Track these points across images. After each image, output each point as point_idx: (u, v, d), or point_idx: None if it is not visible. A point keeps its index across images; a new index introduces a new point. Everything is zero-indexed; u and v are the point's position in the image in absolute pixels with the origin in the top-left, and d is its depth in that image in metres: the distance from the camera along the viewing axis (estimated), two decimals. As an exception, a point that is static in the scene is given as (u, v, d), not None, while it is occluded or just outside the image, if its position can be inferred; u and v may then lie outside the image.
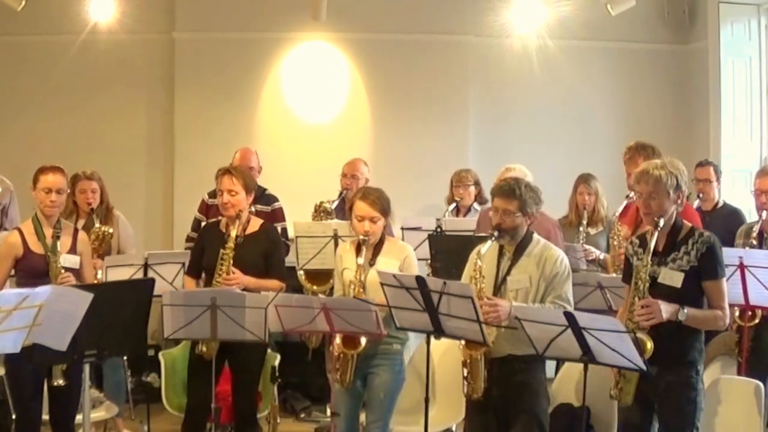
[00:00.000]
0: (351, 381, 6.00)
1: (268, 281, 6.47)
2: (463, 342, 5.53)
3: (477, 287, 5.48)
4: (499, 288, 5.55)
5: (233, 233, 6.33)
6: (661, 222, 5.13)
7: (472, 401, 5.61)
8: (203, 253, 6.59)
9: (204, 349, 6.17)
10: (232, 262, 6.30)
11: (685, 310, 5.00)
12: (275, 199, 8.45)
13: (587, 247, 7.74)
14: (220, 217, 6.70)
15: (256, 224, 6.56)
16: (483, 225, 7.59)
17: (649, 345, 4.99)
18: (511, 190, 5.52)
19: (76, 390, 6.00)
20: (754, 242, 6.82)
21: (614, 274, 6.91)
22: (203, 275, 6.66)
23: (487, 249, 5.55)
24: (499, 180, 7.18)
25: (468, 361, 5.55)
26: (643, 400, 5.19)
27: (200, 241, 6.72)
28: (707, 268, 5.08)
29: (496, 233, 5.52)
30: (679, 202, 5.19)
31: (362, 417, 6.26)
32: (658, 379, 5.04)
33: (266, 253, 6.53)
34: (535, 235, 5.63)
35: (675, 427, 5.12)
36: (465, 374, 5.58)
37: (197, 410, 6.40)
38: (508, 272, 5.55)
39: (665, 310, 4.99)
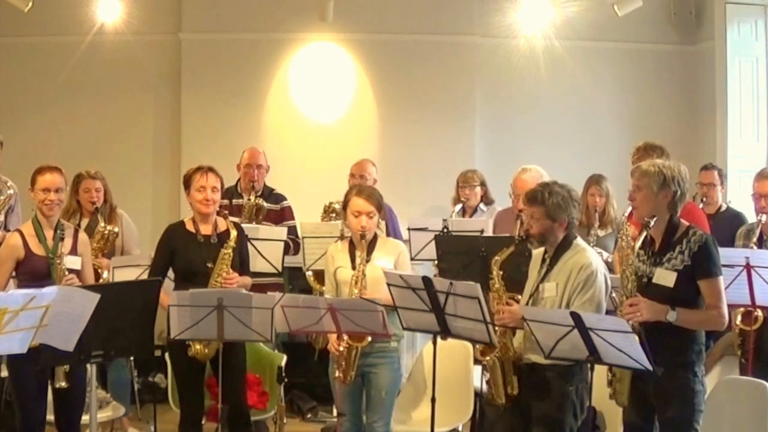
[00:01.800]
0: (352, 378, 6.03)
1: (245, 278, 6.48)
2: (479, 348, 5.53)
3: (498, 295, 5.53)
4: (532, 295, 5.51)
5: (234, 233, 6.31)
6: (652, 222, 5.13)
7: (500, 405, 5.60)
8: (173, 255, 6.43)
9: (205, 350, 6.16)
10: (231, 262, 6.29)
11: (675, 312, 4.98)
12: (283, 198, 8.47)
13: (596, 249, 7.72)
14: (183, 219, 6.65)
15: (224, 223, 6.51)
16: (500, 226, 7.60)
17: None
18: (534, 196, 5.47)
19: (80, 391, 6.00)
20: (755, 246, 6.81)
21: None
22: (168, 278, 6.57)
23: (506, 255, 5.57)
24: (514, 180, 7.22)
25: (487, 366, 5.54)
26: (644, 402, 5.19)
27: (167, 243, 6.48)
28: (701, 266, 5.04)
29: (522, 237, 5.54)
30: (667, 201, 5.16)
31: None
32: (656, 380, 5.02)
33: (240, 251, 6.49)
34: (576, 242, 5.52)
35: (672, 428, 5.10)
36: (487, 379, 5.57)
37: (192, 411, 6.39)
38: (542, 279, 5.49)
39: (651, 310, 5.00)
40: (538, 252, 5.64)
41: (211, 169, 6.45)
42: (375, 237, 6.21)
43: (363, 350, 5.97)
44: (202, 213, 6.42)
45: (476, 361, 6.52)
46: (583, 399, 5.32)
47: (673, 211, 5.19)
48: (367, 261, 6.08)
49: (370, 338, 5.90)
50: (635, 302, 5.06)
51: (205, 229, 6.42)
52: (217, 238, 6.36)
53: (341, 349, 5.97)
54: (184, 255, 6.39)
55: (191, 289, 5.91)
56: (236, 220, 7.40)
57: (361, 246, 6.08)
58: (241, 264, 6.48)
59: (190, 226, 6.47)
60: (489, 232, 7.93)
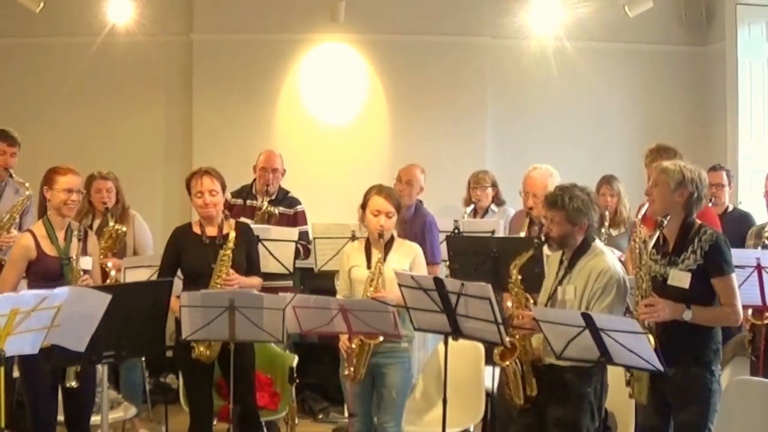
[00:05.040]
0: (362, 375, 6.04)
1: (253, 279, 6.46)
2: (497, 353, 5.53)
3: (518, 298, 5.54)
4: (551, 297, 5.51)
5: (232, 234, 6.26)
6: (666, 221, 5.15)
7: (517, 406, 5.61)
8: (179, 257, 6.43)
9: (207, 352, 6.16)
10: (230, 263, 6.27)
11: (690, 310, 5.01)
12: (298, 202, 8.44)
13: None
14: (190, 221, 6.64)
15: (231, 224, 6.50)
16: (515, 227, 7.59)
17: (651, 341, 4.96)
18: (554, 200, 5.45)
19: (90, 391, 6.01)
20: (767, 241, 6.82)
21: (632, 276, 6.88)
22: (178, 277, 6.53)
23: (525, 259, 5.57)
24: (524, 178, 7.21)
25: (506, 370, 5.55)
26: (661, 401, 5.19)
27: (174, 245, 6.49)
28: (713, 265, 5.07)
29: (541, 240, 5.57)
30: (682, 201, 5.17)
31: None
32: (674, 379, 5.02)
33: (247, 252, 6.49)
34: (595, 245, 5.50)
35: (688, 427, 5.10)
36: (507, 383, 5.59)
37: (201, 413, 6.40)
38: (561, 282, 5.48)
39: (669, 309, 5.02)
40: (555, 253, 5.64)
41: (206, 172, 6.42)
42: (392, 238, 6.23)
43: (375, 350, 5.98)
44: (203, 217, 6.44)
45: (488, 362, 6.52)
46: (601, 401, 5.31)
47: (688, 212, 5.20)
48: (383, 262, 6.08)
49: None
50: (653, 302, 5.07)
51: (211, 231, 6.43)
52: (222, 240, 6.33)
53: (353, 346, 5.98)
54: (189, 257, 6.40)
55: (200, 290, 5.92)
56: (249, 221, 7.43)
57: (379, 245, 6.09)
58: (249, 265, 6.48)
59: (196, 228, 6.48)
60: (500, 233, 7.93)
